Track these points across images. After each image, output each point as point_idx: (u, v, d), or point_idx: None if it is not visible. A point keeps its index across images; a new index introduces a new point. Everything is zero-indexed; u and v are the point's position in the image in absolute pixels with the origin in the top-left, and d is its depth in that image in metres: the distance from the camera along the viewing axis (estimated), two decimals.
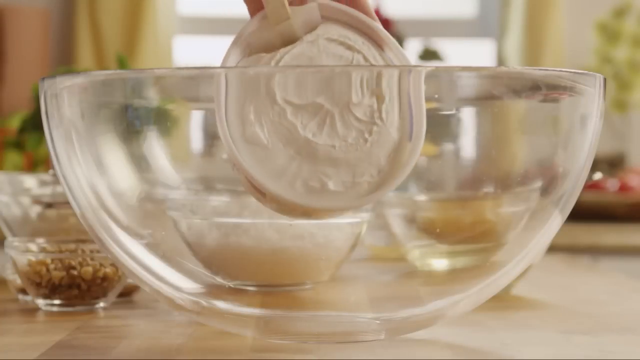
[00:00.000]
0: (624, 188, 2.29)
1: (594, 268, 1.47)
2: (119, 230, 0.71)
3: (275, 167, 0.65)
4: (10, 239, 0.91)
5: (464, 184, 0.71)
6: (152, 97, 0.68)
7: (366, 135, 0.66)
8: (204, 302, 0.71)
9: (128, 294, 0.95)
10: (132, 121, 0.68)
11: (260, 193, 0.67)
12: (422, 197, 0.74)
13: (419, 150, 0.67)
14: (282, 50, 0.69)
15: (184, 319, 0.81)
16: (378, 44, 0.71)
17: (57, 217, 1.03)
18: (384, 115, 0.66)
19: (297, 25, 0.70)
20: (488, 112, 0.69)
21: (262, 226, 0.77)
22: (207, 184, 0.74)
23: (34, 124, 1.60)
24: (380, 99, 0.66)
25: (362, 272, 0.78)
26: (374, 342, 0.71)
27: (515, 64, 2.65)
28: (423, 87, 0.67)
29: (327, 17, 0.71)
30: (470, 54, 2.82)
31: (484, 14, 2.83)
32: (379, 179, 0.67)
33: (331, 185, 0.66)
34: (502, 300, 0.92)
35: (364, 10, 0.72)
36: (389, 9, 2.72)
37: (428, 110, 0.68)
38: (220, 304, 0.71)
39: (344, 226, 0.77)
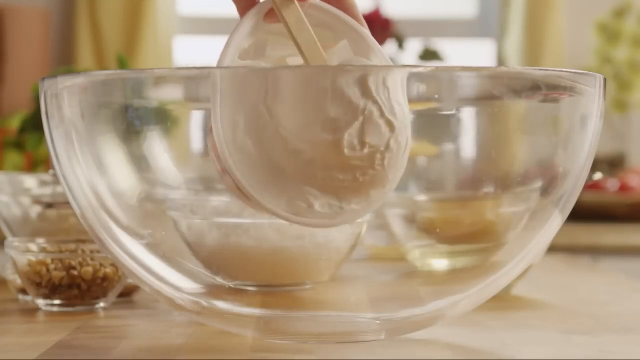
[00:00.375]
0: (624, 188, 2.29)
1: (594, 268, 1.47)
2: (119, 230, 0.71)
3: (262, 178, 0.65)
4: (10, 239, 0.91)
5: (464, 184, 0.71)
6: (152, 97, 0.68)
7: (358, 176, 0.65)
8: (204, 302, 0.71)
9: (128, 294, 0.95)
10: (132, 121, 0.68)
11: (246, 196, 0.67)
12: (422, 197, 0.74)
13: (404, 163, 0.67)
14: None
15: (184, 319, 0.81)
16: (364, 50, 0.71)
17: (57, 217, 1.03)
18: (386, 162, 0.65)
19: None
20: (488, 112, 0.69)
21: (262, 226, 0.77)
22: (207, 184, 0.74)
23: (34, 124, 1.60)
24: (388, 148, 0.65)
25: (362, 272, 0.78)
26: (374, 342, 0.71)
27: (515, 64, 2.65)
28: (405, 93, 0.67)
29: (315, 16, 0.70)
30: (470, 54, 2.82)
31: (484, 14, 2.83)
32: (367, 204, 0.67)
33: (317, 206, 0.65)
34: (502, 300, 0.92)
35: (352, 13, 0.71)
36: (389, 9, 2.72)
37: (428, 110, 0.68)
38: (220, 304, 0.72)
39: (344, 226, 0.77)
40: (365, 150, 0.64)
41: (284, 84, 0.64)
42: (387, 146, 0.65)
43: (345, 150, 0.64)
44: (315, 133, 0.63)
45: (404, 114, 0.65)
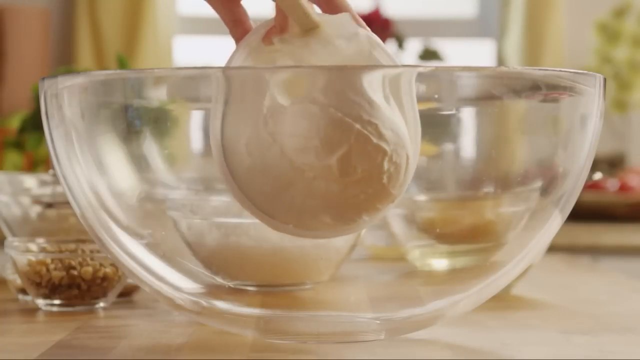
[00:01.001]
0: (624, 188, 2.29)
1: (594, 268, 1.47)
2: (119, 230, 0.71)
3: (271, 194, 0.65)
4: (10, 239, 0.91)
5: (464, 184, 0.71)
6: (152, 97, 0.68)
7: (359, 193, 0.65)
8: (204, 302, 0.71)
9: (128, 294, 0.95)
10: (132, 121, 0.68)
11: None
12: (422, 197, 0.74)
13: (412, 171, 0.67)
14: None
15: (184, 319, 0.81)
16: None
17: (57, 217, 1.03)
18: (385, 180, 0.65)
19: (332, 35, 0.69)
20: (488, 112, 0.69)
21: (262, 226, 0.77)
22: (207, 184, 0.74)
23: (34, 124, 1.60)
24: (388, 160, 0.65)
25: (362, 272, 0.78)
26: (374, 342, 0.71)
27: (515, 64, 2.65)
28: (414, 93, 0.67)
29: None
30: (470, 54, 2.82)
31: (484, 14, 2.83)
32: (377, 215, 0.67)
33: (328, 220, 0.66)
34: (502, 300, 0.92)
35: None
36: (389, 9, 2.72)
37: (428, 110, 0.68)
38: (220, 304, 0.72)
39: None
40: (359, 173, 0.64)
41: (281, 108, 0.64)
42: (382, 167, 0.64)
43: (339, 174, 0.64)
44: (309, 158, 0.64)
45: (398, 136, 0.65)
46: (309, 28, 0.69)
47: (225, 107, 0.65)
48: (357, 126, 0.63)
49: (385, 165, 0.64)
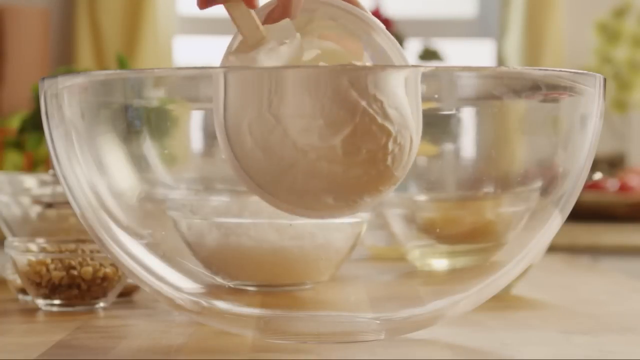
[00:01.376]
0: (624, 188, 2.29)
1: (594, 268, 1.47)
2: (119, 230, 0.71)
3: (273, 176, 0.65)
4: (10, 239, 0.91)
5: (464, 184, 0.71)
6: (152, 97, 0.68)
7: (362, 175, 0.65)
8: (204, 302, 0.71)
9: (128, 294, 0.95)
10: (132, 121, 0.68)
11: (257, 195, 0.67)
12: (422, 197, 0.74)
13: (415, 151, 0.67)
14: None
15: (184, 319, 0.81)
16: (363, 29, 0.71)
17: (57, 217, 1.03)
18: (389, 161, 0.65)
19: (275, 44, 0.69)
20: (488, 112, 0.69)
21: (262, 226, 0.77)
22: (207, 184, 0.74)
23: (34, 124, 1.60)
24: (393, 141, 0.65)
25: (362, 272, 0.78)
26: (374, 342, 0.71)
27: (515, 64, 2.65)
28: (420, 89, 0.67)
29: (313, 9, 0.71)
30: (470, 54, 2.82)
31: (484, 14, 2.83)
32: (379, 198, 0.67)
33: (331, 200, 0.66)
34: (502, 300, 0.92)
35: None
36: (389, 9, 2.72)
37: (428, 110, 0.68)
38: (220, 304, 0.72)
39: (344, 226, 0.77)
40: (363, 154, 0.64)
41: (286, 88, 0.64)
42: (386, 148, 0.65)
43: (342, 155, 0.64)
44: (313, 139, 0.64)
45: (402, 116, 0.65)
46: (257, 40, 0.69)
47: (226, 89, 0.65)
48: (363, 103, 0.63)
49: (390, 146, 0.64)
